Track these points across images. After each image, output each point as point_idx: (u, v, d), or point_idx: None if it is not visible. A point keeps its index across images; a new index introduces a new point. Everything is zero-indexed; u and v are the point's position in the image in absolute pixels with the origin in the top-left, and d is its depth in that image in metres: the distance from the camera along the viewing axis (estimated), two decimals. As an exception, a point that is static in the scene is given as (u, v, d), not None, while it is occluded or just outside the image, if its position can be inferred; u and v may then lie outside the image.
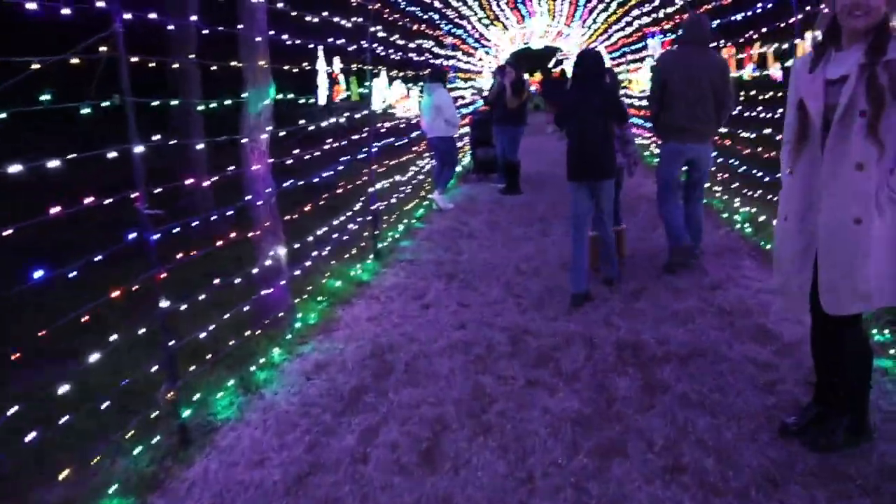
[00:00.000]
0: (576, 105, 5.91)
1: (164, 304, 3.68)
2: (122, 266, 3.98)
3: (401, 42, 9.01)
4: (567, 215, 8.55)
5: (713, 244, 7.38)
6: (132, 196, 3.44)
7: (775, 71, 15.90)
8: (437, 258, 7.52)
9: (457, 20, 14.13)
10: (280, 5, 5.14)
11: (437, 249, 7.92)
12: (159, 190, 3.73)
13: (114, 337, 3.53)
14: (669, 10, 11.13)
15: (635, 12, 14.10)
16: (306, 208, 6.04)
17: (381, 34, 7.54)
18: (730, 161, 8.89)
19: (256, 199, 5.04)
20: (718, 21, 8.65)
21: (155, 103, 3.83)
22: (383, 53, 8.12)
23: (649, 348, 4.89)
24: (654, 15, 13.26)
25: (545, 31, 24.22)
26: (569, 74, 25.09)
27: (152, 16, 3.55)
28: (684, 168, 6.62)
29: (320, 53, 35.22)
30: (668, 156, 6.53)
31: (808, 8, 6.26)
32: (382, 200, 8.38)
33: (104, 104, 3.34)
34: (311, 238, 6.21)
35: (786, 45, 7.11)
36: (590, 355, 4.83)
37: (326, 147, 6.31)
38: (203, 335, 4.27)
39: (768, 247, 7.03)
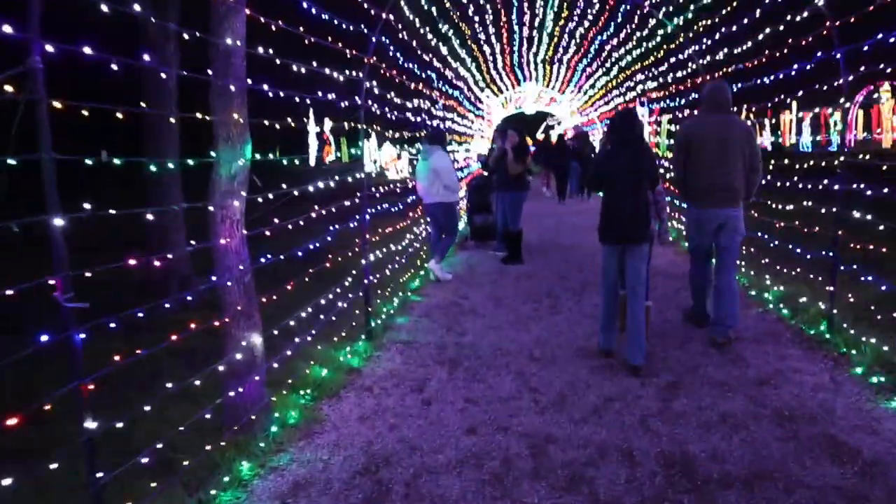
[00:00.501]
0: (614, 166, 5.64)
1: (90, 424, 2.77)
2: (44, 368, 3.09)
3: (397, 100, 8.30)
4: (576, 289, 7.91)
5: (749, 327, 6.56)
6: (50, 282, 2.57)
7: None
8: (438, 339, 6.63)
9: (454, 80, 13.60)
10: (261, 49, 4.37)
11: (437, 328, 7.03)
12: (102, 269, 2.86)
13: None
14: (676, 75, 10.56)
15: (639, 76, 13.61)
16: (289, 286, 5.16)
17: (375, 90, 6.81)
18: (758, 234, 8.12)
19: (227, 277, 4.18)
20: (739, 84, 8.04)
21: (88, 162, 2.98)
22: (378, 112, 7.39)
23: (702, 467, 3.99)
24: (653, 82, 12.78)
25: (538, 97, 23.94)
26: (553, 139, 25.29)
27: (87, 50, 2.73)
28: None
29: (311, 113, 34.99)
30: (696, 221, 6.27)
31: (862, 68, 5.54)
32: (376, 272, 7.53)
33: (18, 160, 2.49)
34: (292, 322, 5.29)
35: (830, 110, 6.40)
36: (631, 475, 3.92)
37: (314, 214, 5.47)
38: (146, 460, 3.33)
39: (812, 332, 6.22)
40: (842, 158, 5.83)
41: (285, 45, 4.96)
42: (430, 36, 9.55)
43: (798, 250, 6.96)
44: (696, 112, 7.16)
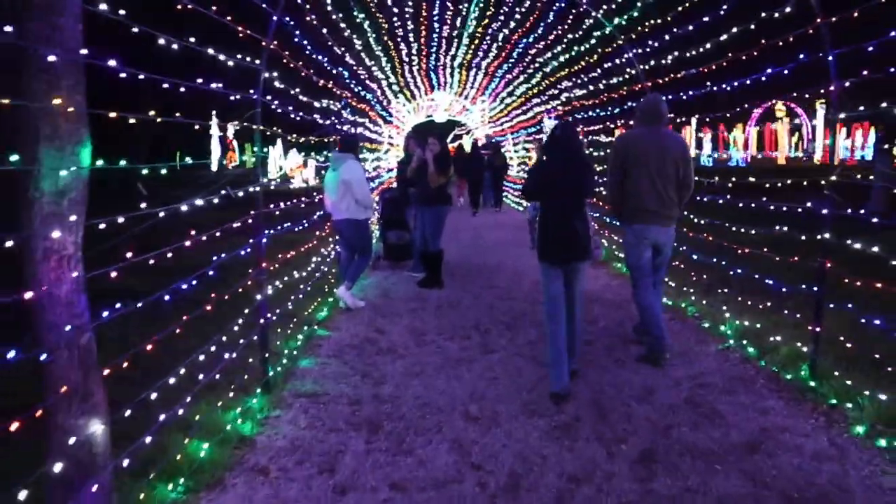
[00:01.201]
0: (554, 180, 5.28)
1: None
2: None
3: (303, 98, 7.03)
4: (507, 321, 6.90)
5: (714, 370, 5.69)
6: None
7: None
8: (351, 391, 5.41)
9: (368, 81, 12.34)
10: (105, 6, 3.02)
11: (350, 374, 5.80)
12: None
13: None
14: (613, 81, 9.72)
15: (565, 83, 12.76)
16: (149, 346, 3.79)
17: (277, 83, 5.54)
18: (714, 260, 7.32)
19: (55, 340, 2.85)
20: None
21: None
22: (279, 111, 6.11)
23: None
24: (582, 90, 11.97)
25: (450, 105, 22.99)
26: (467, 149, 24.39)
27: None
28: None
29: (214, 117, 32.63)
30: (634, 240, 5.98)
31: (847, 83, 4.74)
32: (275, 306, 6.22)
33: None
34: (153, 395, 3.89)
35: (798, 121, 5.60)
36: None
37: (188, 242, 4.12)
38: None
39: (789, 377, 5.39)
40: (833, 178, 4.99)
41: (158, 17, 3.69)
42: (343, 24, 8.31)
43: (770, 281, 6.14)
44: (630, 124, 6.59)
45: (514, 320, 7.42)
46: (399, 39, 12.82)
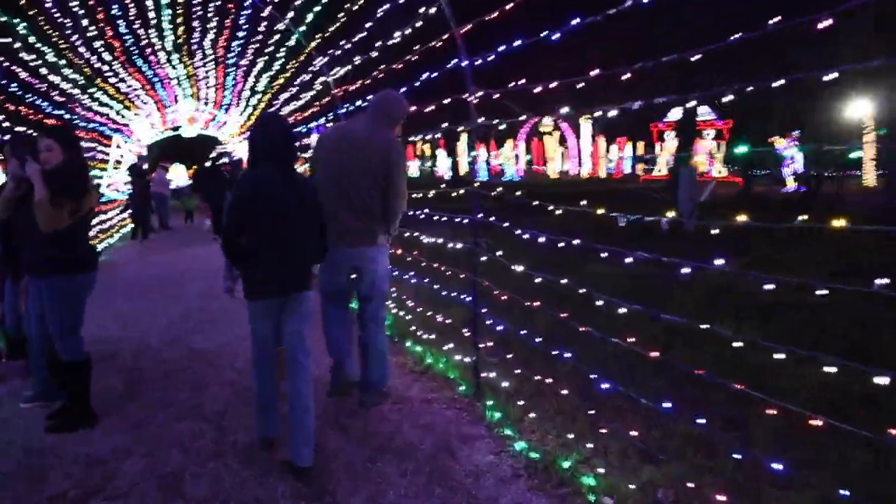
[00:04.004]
0: (266, 195, 3.92)
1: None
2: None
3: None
4: None
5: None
6: None
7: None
8: None
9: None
10: None
11: None
12: None
13: None
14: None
15: (283, 95, 12.17)
16: None
17: None
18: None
19: None
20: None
21: None
22: None
23: None
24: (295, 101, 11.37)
25: (191, 117, 21.50)
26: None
27: None
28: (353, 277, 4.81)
29: None
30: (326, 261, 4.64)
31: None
32: None
33: None
34: None
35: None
36: None
37: None
38: None
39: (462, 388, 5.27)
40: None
41: None
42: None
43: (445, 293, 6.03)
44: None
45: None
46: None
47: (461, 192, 5.54)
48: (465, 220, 5.25)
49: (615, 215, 3.65)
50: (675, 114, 43.26)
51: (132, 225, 17.27)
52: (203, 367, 6.05)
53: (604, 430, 4.18)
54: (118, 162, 19.30)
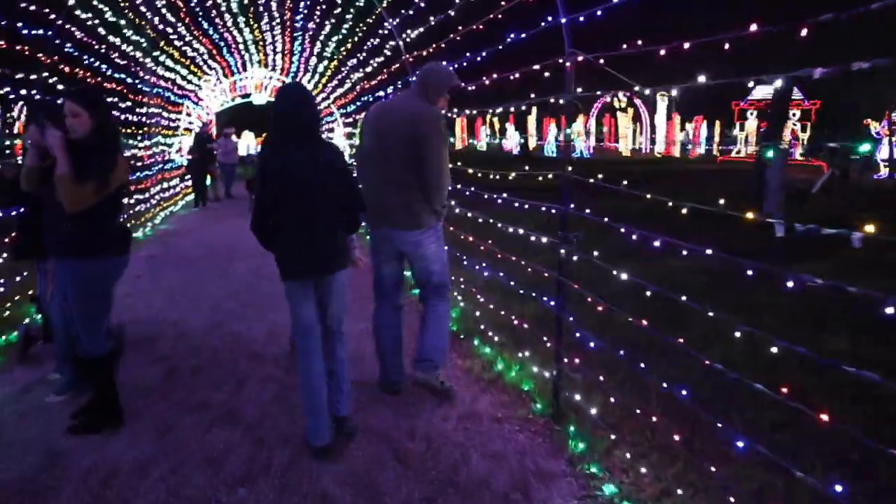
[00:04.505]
0: (287, 172, 3.72)
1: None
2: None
3: None
4: None
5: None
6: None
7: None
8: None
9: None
10: None
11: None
12: None
13: None
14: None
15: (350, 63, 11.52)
16: None
17: None
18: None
19: None
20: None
21: None
22: None
23: None
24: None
25: (261, 83, 21.12)
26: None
27: None
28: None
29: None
30: (372, 245, 4.77)
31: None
32: None
33: None
34: None
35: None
36: None
37: None
38: None
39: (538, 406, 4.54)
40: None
41: None
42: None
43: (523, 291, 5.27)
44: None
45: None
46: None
47: (549, 175, 4.73)
48: (553, 210, 4.44)
49: (771, 221, 2.79)
50: (759, 92, 40.90)
51: (193, 193, 17.28)
52: (243, 360, 5.53)
53: (713, 469, 3.35)
54: (187, 129, 19.14)
